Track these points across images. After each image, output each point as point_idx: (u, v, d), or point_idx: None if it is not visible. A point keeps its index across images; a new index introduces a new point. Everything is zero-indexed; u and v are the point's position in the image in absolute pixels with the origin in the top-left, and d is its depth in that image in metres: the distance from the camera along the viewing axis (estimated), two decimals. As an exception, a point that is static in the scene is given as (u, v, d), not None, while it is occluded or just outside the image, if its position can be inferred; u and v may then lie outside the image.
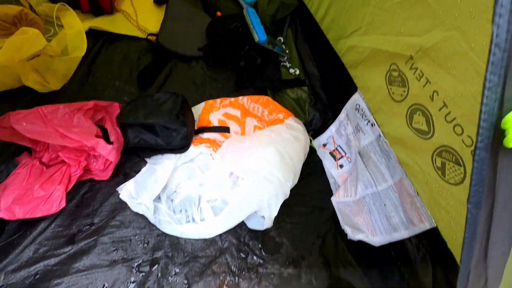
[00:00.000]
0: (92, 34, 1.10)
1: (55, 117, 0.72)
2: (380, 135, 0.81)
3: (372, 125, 0.84)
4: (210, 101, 1.02)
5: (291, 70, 1.22)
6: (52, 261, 0.65)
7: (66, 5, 1.09)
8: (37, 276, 0.63)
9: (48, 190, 0.66)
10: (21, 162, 0.72)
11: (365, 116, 0.87)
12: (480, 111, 0.25)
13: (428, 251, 0.74)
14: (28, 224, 0.68)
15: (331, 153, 1.02)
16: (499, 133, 0.26)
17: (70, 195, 0.74)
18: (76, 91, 0.96)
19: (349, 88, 0.94)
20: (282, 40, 1.30)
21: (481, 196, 0.28)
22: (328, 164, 1.02)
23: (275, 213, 0.75)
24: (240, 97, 1.04)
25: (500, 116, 0.26)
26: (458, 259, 0.63)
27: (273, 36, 1.31)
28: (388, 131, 0.78)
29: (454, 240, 0.63)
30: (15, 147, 0.77)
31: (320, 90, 1.13)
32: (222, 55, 1.16)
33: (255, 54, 1.11)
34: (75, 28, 1.04)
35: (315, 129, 1.07)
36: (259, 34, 1.10)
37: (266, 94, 1.13)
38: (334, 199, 0.94)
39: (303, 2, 1.18)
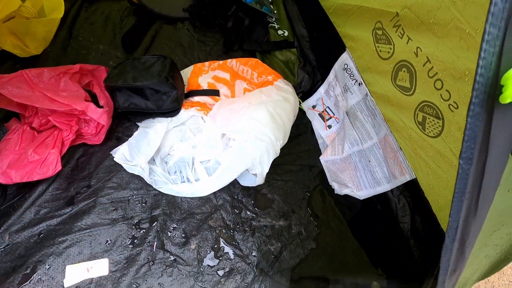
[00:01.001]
0: (68, -7, 1.04)
1: (40, 81, 0.71)
2: (367, 94, 0.84)
3: (359, 84, 0.86)
4: (199, 64, 1.01)
5: (280, 32, 1.19)
6: (54, 221, 0.68)
7: (37, -39, 1.01)
8: (41, 235, 0.67)
9: (42, 154, 0.67)
10: (11, 128, 0.71)
11: (353, 75, 0.88)
12: (478, 65, 0.26)
13: (408, 201, 0.81)
14: (27, 188, 0.70)
15: (320, 115, 1.05)
16: (495, 89, 0.27)
17: (64, 159, 0.75)
18: (59, 55, 0.92)
19: (338, 48, 0.94)
20: (269, 1, 1.25)
21: (472, 152, 0.30)
22: (317, 125, 1.05)
23: (267, 170, 0.79)
24: (229, 60, 1.03)
25: (497, 71, 0.26)
26: (434, 207, 0.69)
27: (261, -4, 1.26)
28: (374, 89, 0.81)
29: (430, 189, 0.69)
30: (3, 114, 0.76)
31: (309, 51, 1.13)
32: (208, 16, 1.12)
33: (243, 14, 1.08)
34: (50, -14, 0.98)
35: (304, 91, 1.08)
36: (246, -7, 1.06)
37: (255, 57, 1.12)
38: (322, 158, 0.98)
39: (292, -43, 1.13)
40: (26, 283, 0.61)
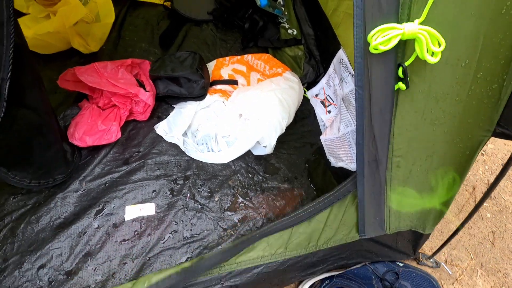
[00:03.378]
0: (115, 1, 1.27)
1: (105, 71, 0.94)
2: (357, 82, 1.02)
3: (352, 75, 1.05)
4: (221, 59, 1.23)
5: (290, 31, 1.39)
6: (116, 175, 0.92)
7: (93, -25, 1.26)
8: (107, 184, 0.91)
9: (107, 125, 0.91)
10: (84, 106, 0.96)
11: (347, 68, 1.07)
12: (354, 36, 0.47)
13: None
14: (95, 151, 0.94)
15: (321, 102, 1.24)
16: (367, 45, 0.48)
17: (120, 131, 0.98)
18: (111, 52, 1.17)
19: (336, 45, 1.13)
20: (281, 3, 1.45)
21: (362, 81, 0.50)
22: (319, 111, 1.24)
23: (274, 142, 0.99)
24: (246, 55, 1.24)
25: (365, 35, 0.47)
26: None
27: (274, -1, 1.46)
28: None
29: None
30: (74, 96, 1.01)
31: (314, 47, 1.32)
32: (229, 18, 1.33)
33: (257, 17, 1.28)
34: (103, -4, 1.22)
35: (309, 82, 1.28)
36: (260, -1, 1.26)
37: (267, 53, 1.32)
38: (322, 137, 1.18)
39: (300, -33, 1.32)
40: (99, 215, 0.85)
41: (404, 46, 0.49)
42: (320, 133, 1.20)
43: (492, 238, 1.10)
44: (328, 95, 1.23)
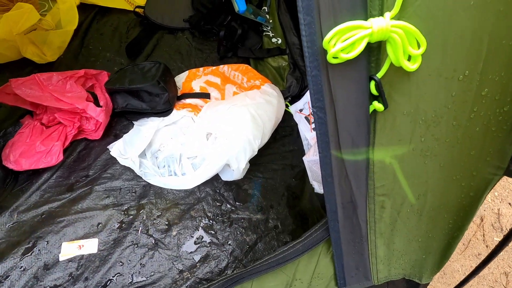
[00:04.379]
0: (83, 8, 1.18)
1: (50, 83, 0.82)
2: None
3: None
4: (194, 70, 1.10)
5: (274, 40, 1.27)
6: (55, 204, 0.79)
7: (58, -20, 1.16)
8: (44, 216, 0.77)
9: (48, 146, 0.78)
10: (24, 123, 0.83)
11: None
12: (302, 40, 0.33)
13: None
14: (35, 175, 0.81)
15: (306, 118, 1.10)
16: (323, 53, 0.34)
17: (68, 152, 0.86)
18: (71, 62, 1.05)
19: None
20: (266, 10, 1.33)
21: (322, 101, 0.37)
22: (303, 127, 1.10)
23: (243, 166, 0.85)
24: (221, 66, 1.11)
25: (321, 38, 0.33)
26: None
27: (258, 6, 1.35)
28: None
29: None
30: (21, 112, 0.89)
31: (299, 58, 1.19)
32: (206, 26, 1.22)
33: (236, 24, 1.16)
34: (67, 2, 1.12)
35: (292, 95, 1.14)
36: (238, 5, 1.14)
37: (249, 63, 1.20)
38: (305, 158, 1.03)
39: (284, -29, 1.21)
40: (27, 255, 0.71)
41: (379, 50, 0.35)
42: (303, 153, 1.06)
43: (506, 281, 0.93)
44: (314, 111, 1.09)
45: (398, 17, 0.32)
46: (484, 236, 0.98)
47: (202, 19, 1.22)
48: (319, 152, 0.43)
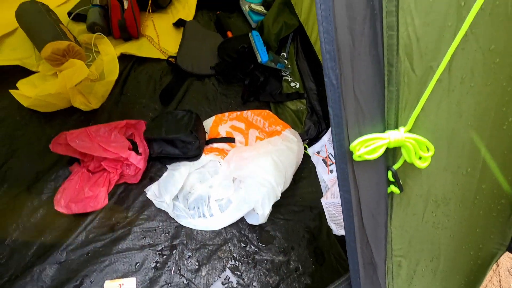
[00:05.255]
0: (122, 58, 1.32)
1: (98, 135, 0.94)
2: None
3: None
4: (220, 115, 1.21)
5: (292, 84, 1.38)
6: (99, 244, 0.88)
7: (102, 34, 1.32)
8: (89, 254, 0.86)
9: (94, 191, 0.88)
10: (74, 171, 0.94)
11: (348, 130, 1.01)
12: (333, 144, 0.41)
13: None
14: (81, 216, 0.91)
15: (323, 160, 1.18)
16: (351, 153, 0.42)
17: (109, 194, 0.96)
18: (112, 109, 1.18)
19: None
20: (285, 56, 1.45)
21: (348, 186, 0.44)
22: (321, 170, 1.17)
23: (268, 211, 0.92)
24: (245, 111, 1.21)
25: (348, 143, 0.41)
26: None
27: (277, 52, 1.47)
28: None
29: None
30: (68, 158, 1.00)
31: (316, 103, 1.29)
32: (231, 73, 1.33)
33: (258, 73, 1.27)
34: (109, 54, 1.26)
35: (310, 138, 1.23)
36: (261, 56, 1.26)
37: (269, 107, 1.30)
38: (323, 200, 1.10)
39: (302, 23, 1.33)
40: (75, 293, 0.80)
41: (395, 148, 0.43)
42: (321, 194, 1.13)
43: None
44: (330, 153, 1.17)
45: (411, 128, 0.40)
46: (500, 282, 1.00)
47: (227, 67, 1.34)
48: (344, 224, 0.50)
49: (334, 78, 0.36)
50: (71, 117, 1.12)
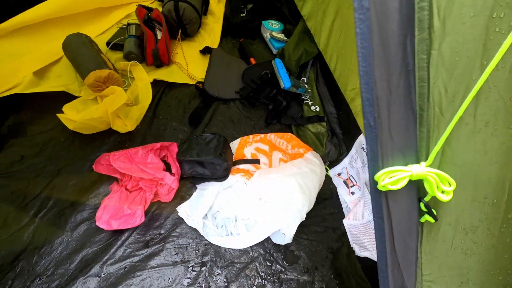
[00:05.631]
0: (155, 83, 1.43)
1: (136, 156, 1.02)
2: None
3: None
4: (245, 138, 1.28)
5: (313, 108, 1.44)
6: (135, 259, 0.94)
7: (137, 62, 1.43)
8: (126, 269, 0.92)
9: (133, 209, 0.95)
10: (113, 189, 1.02)
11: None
12: (368, 172, 0.46)
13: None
14: (118, 233, 0.98)
15: (344, 182, 1.22)
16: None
17: (145, 212, 1.02)
18: (145, 131, 1.27)
19: (358, 129, 1.14)
20: (305, 81, 1.53)
21: (381, 213, 0.48)
22: (342, 191, 1.21)
23: (293, 232, 0.97)
24: (269, 134, 1.28)
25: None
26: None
27: (298, 77, 1.55)
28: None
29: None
30: (107, 177, 1.08)
31: (336, 126, 1.34)
32: (254, 97, 1.42)
33: (281, 97, 1.35)
34: (143, 80, 1.37)
35: (331, 161, 1.27)
36: (284, 82, 1.34)
37: (291, 129, 1.36)
38: (345, 221, 1.13)
39: (321, 51, 1.41)
40: (114, 305, 0.85)
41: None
42: (343, 215, 1.16)
43: None
44: (351, 176, 1.21)
45: (438, 163, 0.45)
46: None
47: (251, 92, 1.42)
48: (377, 248, 0.54)
49: (372, 120, 0.42)
50: (109, 139, 1.21)
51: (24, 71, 1.29)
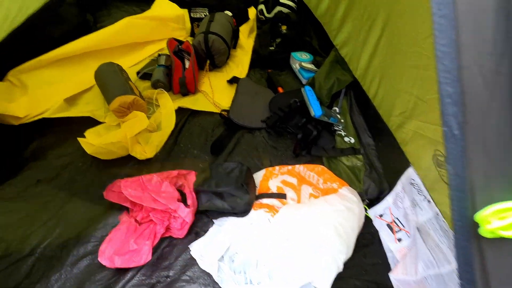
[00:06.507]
0: (179, 110, 1.39)
1: (149, 184, 0.92)
2: (438, 213, 0.81)
3: (428, 201, 0.84)
4: (270, 169, 1.15)
5: (346, 139, 1.30)
6: (136, 305, 0.79)
7: (163, 90, 1.42)
8: (124, 319, 0.77)
9: (139, 245, 0.83)
10: (122, 220, 0.92)
11: (421, 191, 0.88)
12: (452, 213, 0.30)
13: None
14: (122, 272, 0.85)
15: (388, 225, 1.02)
16: (476, 225, 0.31)
17: (154, 248, 0.89)
18: (164, 158, 1.19)
19: (403, 162, 0.97)
20: (337, 111, 1.41)
21: (472, 274, 0.31)
22: (385, 237, 1.00)
23: (328, 285, 0.77)
24: (297, 166, 1.14)
25: (471, 212, 0.30)
26: None
27: (329, 106, 1.44)
28: (445, 210, 0.78)
29: None
30: (118, 206, 0.99)
31: (375, 159, 1.18)
32: (282, 126, 1.31)
33: (311, 126, 1.23)
34: (168, 108, 1.34)
35: (370, 199, 1.09)
36: (315, 110, 1.23)
37: (321, 161, 1.21)
38: (392, 276, 0.91)
39: (357, 79, 1.30)
40: None
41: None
42: (388, 267, 0.94)
43: None
44: (397, 218, 1.01)
45: None
46: None
47: (278, 120, 1.33)
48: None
49: (456, 128, 0.28)
50: (126, 165, 1.15)
51: (56, 98, 1.32)
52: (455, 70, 0.26)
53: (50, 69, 1.44)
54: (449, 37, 0.25)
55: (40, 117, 1.25)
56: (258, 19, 2.09)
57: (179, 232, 0.91)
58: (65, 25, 1.69)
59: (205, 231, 0.95)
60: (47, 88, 1.34)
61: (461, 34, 0.25)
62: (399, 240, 0.97)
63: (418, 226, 0.89)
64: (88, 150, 1.09)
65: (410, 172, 0.93)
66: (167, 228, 0.91)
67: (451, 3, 0.25)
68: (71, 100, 1.36)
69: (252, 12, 2.05)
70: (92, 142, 1.09)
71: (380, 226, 1.03)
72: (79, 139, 1.11)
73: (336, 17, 1.49)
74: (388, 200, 1.04)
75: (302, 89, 1.34)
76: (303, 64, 1.63)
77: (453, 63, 0.26)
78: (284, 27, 1.87)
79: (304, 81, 1.60)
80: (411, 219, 0.93)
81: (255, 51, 1.79)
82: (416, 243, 0.89)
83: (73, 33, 1.56)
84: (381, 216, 1.05)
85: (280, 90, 1.52)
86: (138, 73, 1.53)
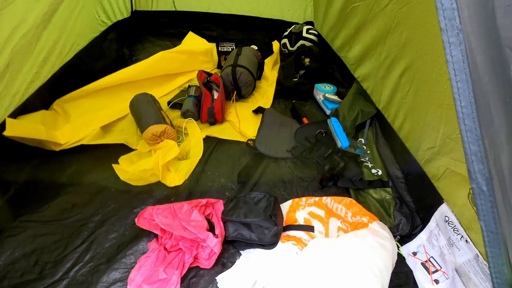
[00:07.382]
0: (207, 139, 1.43)
1: (180, 212, 0.94)
2: (478, 254, 0.76)
3: (466, 241, 0.80)
4: (297, 200, 1.14)
5: (373, 171, 1.28)
6: None
7: (192, 119, 1.48)
8: None
9: (169, 274, 0.84)
10: (151, 247, 0.93)
11: (457, 230, 0.84)
12: (490, 271, 0.29)
13: None
14: (149, 301, 0.85)
15: (423, 264, 0.97)
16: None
17: (181, 278, 0.89)
18: (192, 186, 1.22)
19: (436, 198, 0.94)
20: (363, 142, 1.41)
21: None
22: (421, 277, 0.95)
23: (363, 330, 0.73)
24: (324, 197, 1.13)
25: (510, 265, 0.29)
26: None
27: (355, 137, 1.44)
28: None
29: None
30: (147, 232, 1.01)
31: (405, 192, 1.15)
32: (307, 157, 1.32)
33: (338, 158, 1.23)
34: (197, 137, 1.39)
35: (402, 235, 1.05)
36: (341, 141, 1.23)
37: (348, 193, 1.20)
38: (431, 322, 0.85)
39: (381, 111, 1.31)
40: None
41: None
42: (426, 312, 0.88)
43: None
44: (432, 257, 0.96)
45: None
46: None
47: (304, 151, 1.34)
48: None
49: (484, 184, 0.28)
50: (156, 192, 1.18)
51: (94, 125, 1.41)
52: (477, 129, 0.27)
53: (90, 99, 1.55)
54: (468, 100, 0.26)
55: (79, 143, 1.33)
56: (281, 52, 2.19)
57: (206, 262, 0.91)
58: (105, 59, 1.84)
59: (232, 262, 0.94)
60: (87, 116, 1.44)
61: (479, 92, 0.26)
62: (436, 282, 0.91)
63: (456, 268, 0.85)
64: (122, 176, 1.14)
65: (444, 209, 0.90)
66: (195, 258, 0.91)
67: (467, 69, 0.26)
68: (106, 128, 1.44)
69: (276, 45, 2.15)
70: (126, 169, 1.14)
71: (414, 265, 0.98)
72: (114, 165, 1.16)
73: (353, 53, 1.54)
74: (422, 237, 1.00)
75: (328, 121, 1.36)
76: (327, 95, 1.66)
77: (475, 123, 0.27)
78: (307, 60, 1.93)
79: (328, 112, 1.62)
80: (448, 259, 0.88)
81: (279, 82, 1.85)
82: (455, 286, 0.83)
83: (111, 66, 1.69)
84: (414, 254, 1.00)
85: (305, 120, 1.55)
86: (169, 103, 1.62)
